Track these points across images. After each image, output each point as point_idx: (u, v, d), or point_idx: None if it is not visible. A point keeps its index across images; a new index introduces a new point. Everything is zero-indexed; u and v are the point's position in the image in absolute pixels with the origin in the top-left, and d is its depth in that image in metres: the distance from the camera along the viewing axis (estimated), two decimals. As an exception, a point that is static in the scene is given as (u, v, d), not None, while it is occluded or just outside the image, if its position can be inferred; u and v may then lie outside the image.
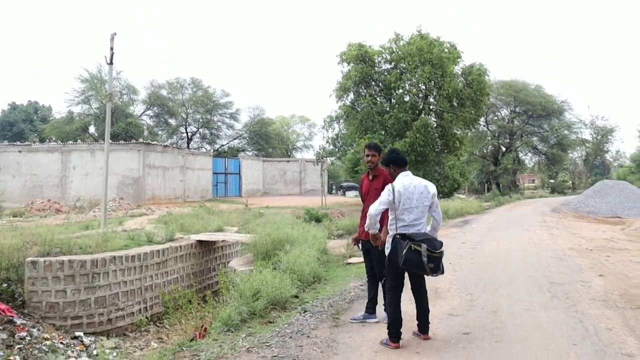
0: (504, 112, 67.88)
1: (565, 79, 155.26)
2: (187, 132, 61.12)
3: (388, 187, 6.33)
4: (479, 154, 65.26)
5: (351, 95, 34.91)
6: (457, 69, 34.20)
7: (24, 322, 10.50)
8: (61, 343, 10.39)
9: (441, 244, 6.15)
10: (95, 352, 10.32)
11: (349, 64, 33.77)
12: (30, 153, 34.71)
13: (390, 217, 6.38)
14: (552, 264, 11.99)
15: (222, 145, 63.39)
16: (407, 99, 33.94)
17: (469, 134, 42.51)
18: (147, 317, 12.91)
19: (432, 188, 6.46)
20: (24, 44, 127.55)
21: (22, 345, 9.64)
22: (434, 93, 33.74)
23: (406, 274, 6.38)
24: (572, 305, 8.01)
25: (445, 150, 35.19)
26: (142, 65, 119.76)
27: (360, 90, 34.61)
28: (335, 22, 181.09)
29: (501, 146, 66.51)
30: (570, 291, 8.98)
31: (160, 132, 60.35)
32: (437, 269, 6.02)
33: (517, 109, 66.01)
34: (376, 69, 34.55)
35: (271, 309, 7.98)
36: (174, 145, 44.86)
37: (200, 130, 61.86)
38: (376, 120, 32.19)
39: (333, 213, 26.02)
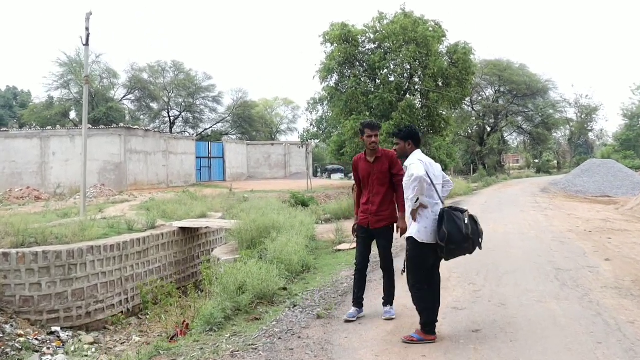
0: (489, 91, 67.84)
1: (549, 57, 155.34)
2: (169, 116, 60.35)
3: (415, 159, 5.83)
4: (464, 135, 65.04)
5: (335, 76, 34.31)
6: (442, 48, 33.67)
7: (-4, 317, 10.00)
8: (36, 339, 9.89)
9: None
10: (72, 348, 9.82)
11: (332, 44, 33.10)
12: (7, 139, 33.78)
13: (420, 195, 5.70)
14: (554, 247, 11.54)
15: (206, 129, 62.71)
16: (392, 79, 33.34)
17: (454, 114, 42.09)
18: (128, 309, 12.48)
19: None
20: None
21: (-6, 343, 9.14)
22: (419, 73, 33.19)
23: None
24: (585, 294, 7.47)
25: (432, 131, 34.73)
26: (123, 48, 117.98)
27: (344, 71, 33.99)
28: (318, 1, 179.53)
29: (486, 126, 66.40)
30: (578, 278, 8.49)
31: (142, 116, 59.56)
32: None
33: (502, 89, 65.91)
34: (360, 49, 33.91)
35: (258, 304, 7.46)
36: (156, 130, 44.08)
37: (182, 114, 61.09)
38: (361, 101, 31.62)
39: (319, 196, 25.64)
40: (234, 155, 50.39)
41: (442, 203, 5.84)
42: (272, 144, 57.15)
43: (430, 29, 32.20)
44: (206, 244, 16.78)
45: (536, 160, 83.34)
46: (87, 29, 16.98)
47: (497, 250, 11.23)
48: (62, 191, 28.93)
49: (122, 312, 12.30)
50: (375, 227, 6.61)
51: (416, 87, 34.21)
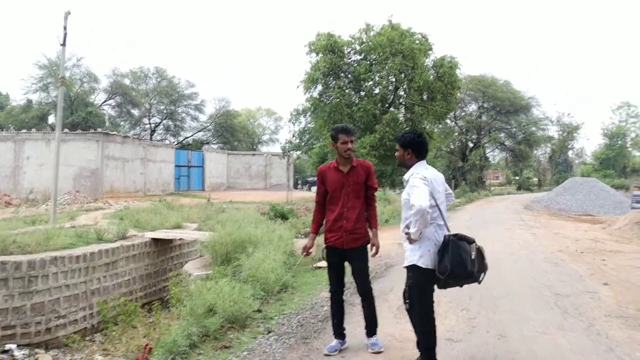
0: (472, 107, 67.70)
1: (532, 74, 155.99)
2: (150, 123, 59.59)
3: (417, 178, 4.95)
4: (447, 150, 64.78)
5: (319, 87, 33.90)
6: (428, 62, 33.39)
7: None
8: (-14, 358, 9.14)
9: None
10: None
11: (317, 54, 32.67)
12: (-20, 142, 32.89)
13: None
14: (548, 270, 10.94)
15: (187, 138, 61.97)
16: (376, 91, 32.93)
17: (437, 129, 41.72)
18: (93, 325, 11.66)
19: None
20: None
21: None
22: (405, 85, 32.86)
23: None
24: (590, 324, 6.86)
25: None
26: (105, 53, 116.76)
27: (329, 82, 33.54)
28: (304, 11, 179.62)
29: (469, 142, 66.24)
30: (580, 305, 7.87)
31: (122, 122, 58.77)
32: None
33: (485, 105, 65.78)
34: (345, 59, 33.48)
35: (228, 328, 6.69)
36: (135, 136, 43.24)
37: (164, 121, 60.35)
38: (345, 112, 31.11)
39: (299, 209, 25.04)
40: (214, 165, 49.73)
41: (446, 225, 5.14)
42: (253, 154, 56.52)
43: (417, 41, 31.91)
44: (180, 256, 16.03)
45: (516, 177, 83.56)
46: (64, 28, 16.39)
47: (489, 272, 10.49)
48: (34, 197, 28.06)
49: (86, 328, 11.54)
50: (350, 246, 5.81)
51: (401, 100, 33.87)
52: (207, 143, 61.03)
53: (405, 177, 5.26)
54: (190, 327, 6.22)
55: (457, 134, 65.20)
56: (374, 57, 32.25)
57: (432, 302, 5.11)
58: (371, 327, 5.96)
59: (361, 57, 33.51)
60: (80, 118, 45.34)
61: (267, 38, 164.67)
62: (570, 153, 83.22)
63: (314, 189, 52.29)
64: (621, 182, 59.19)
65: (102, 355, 10.04)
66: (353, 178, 5.84)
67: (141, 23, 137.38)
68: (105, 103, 55.46)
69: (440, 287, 5.09)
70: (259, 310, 7.50)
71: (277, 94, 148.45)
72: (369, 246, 5.94)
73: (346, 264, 6.06)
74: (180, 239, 15.52)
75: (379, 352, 5.80)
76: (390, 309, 7.57)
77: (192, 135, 62.47)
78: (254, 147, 71.01)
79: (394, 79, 32.29)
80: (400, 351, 5.69)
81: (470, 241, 4.99)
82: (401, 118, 33.00)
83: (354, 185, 5.83)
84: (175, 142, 55.89)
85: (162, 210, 20.34)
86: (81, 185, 30.87)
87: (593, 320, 7.03)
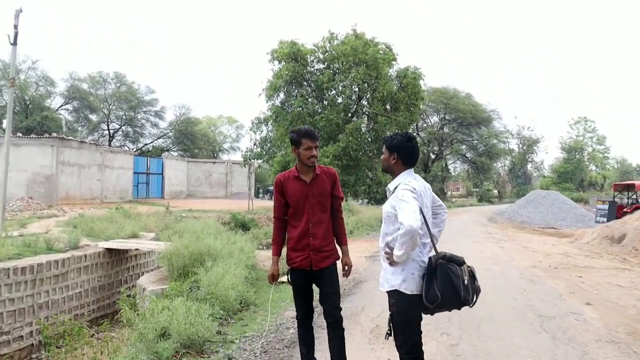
0: (434, 119, 68.16)
1: (494, 88, 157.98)
2: (109, 129, 58.27)
3: (407, 187, 4.14)
4: (409, 160, 64.89)
5: (281, 95, 33.64)
6: (392, 72, 33.39)
7: None
8: None
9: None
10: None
11: (280, 62, 32.44)
12: None
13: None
14: (526, 288, 10.46)
15: (146, 144, 60.84)
16: (339, 100, 32.81)
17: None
18: (40, 341, 10.99)
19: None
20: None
21: None
22: (368, 95, 32.78)
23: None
24: (584, 352, 6.29)
25: (379, 155, 34.19)
26: (63, 57, 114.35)
27: (291, 90, 33.30)
28: (267, 19, 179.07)
29: (430, 153, 66.54)
30: (567, 328, 7.34)
31: (80, 128, 57.37)
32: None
33: (447, 117, 66.22)
34: (308, 68, 33.31)
35: (183, 354, 5.95)
36: (93, 142, 42.18)
37: (123, 127, 59.12)
38: (307, 121, 30.84)
39: (260, 218, 24.51)
40: (174, 172, 48.80)
41: (434, 244, 4.32)
42: (214, 162, 55.63)
43: (381, 51, 31.92)
44: (136, 267, 15.39)
45: (476, 189, 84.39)
46: (15, 26, 15.78)
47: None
48: (-17, 203, 26.99)
49: (32, 344, 10.86)
50: (319, 267, 4.95)
51: (364, 109, 33.75)
52: (167, 150, 60.01)
53: (390, 186, 4.43)
54: (140, 354, 5.57)
55: (419, 145, 65.40)
56: (338, 66, 32.11)
57: (420, 331, 4.33)
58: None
59: (324, 65, 33.35)
60: (36, 122, 44.08)
61: (229, 44, 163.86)
62: (529, 166, 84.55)
63: (275, 198, 51.87)
64: (579, 195, 60.26)
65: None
66: (317, 188, 5.02)
67: (102, 28, 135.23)
68: (62, 107, 54.07)
69: (426, 313, 4.34)
70: (218, 332, 6.84)
71: (239, 102, 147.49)
72: (339, 264, 5.10)
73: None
74: (136, 249, 14.89)
75: None
76: (363, 333, 6.92)
77: (151, 142, 61.38)
78: (215, 155, 70.09)
79: (357, 89, 32.18)
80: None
81: (460, 262, 4.25)
82: (364, 128, 32.86)
83: (319, 196, 5.01)
84: (135, 149, 54.74)
85: (119, 218, 19.69)
86: (35, 192, 29.80)
87: (585, 347, 6.57)
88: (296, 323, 5.30)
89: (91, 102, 54.66)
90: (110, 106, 57.16)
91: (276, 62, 32.79)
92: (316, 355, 5.29)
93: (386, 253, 4.21)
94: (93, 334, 9.05)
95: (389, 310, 4.29)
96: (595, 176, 79.46)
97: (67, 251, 12.85)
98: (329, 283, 4.99)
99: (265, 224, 22.98)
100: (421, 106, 40.77)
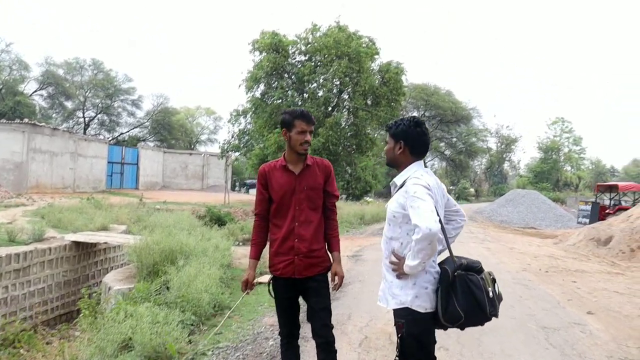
0: (414, 115, 67.83)
1: (474, 86, 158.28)
2: (84, 117, 57.26)
3: (420, 182, 3.42)
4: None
5: (262, 87, 32.97)
6: (374, 66, 32.87)
7: None
8: None
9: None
10: None
11: (261, 52, 31.80)
12: None
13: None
14: (522, 294, 9.74)
15: (122, 134, 59.97)
16: (320, 93, 32.21)
17: (378, 136, 41.17)
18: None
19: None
20: None
21: None
22: (349, 89, 32.21)
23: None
24: None
25: (358, 151, 33.72)
26: (39, 41, 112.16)
27: (272, 82, 32.66)
28: (250, 8, 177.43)
29: (409, 150, 66.37)
30: (574, 342, 6.60)
31: (54, 114, 56.22)
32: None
33: (427, 113, 66.01)
34: (290, 60, 32.67)
35: None
36: (67, 130, 41.20)
37: (99, 115, 58.19)
38: (287, 114, 30.27)
39: (237, 212, 23.88)
40: (149, 163, 47.93)
41: (450, 250, 3.58)
42: (191, 154, 54.78)
43: (364, 44, 31.35)
44: (104, 262, 14.68)
45: (452, 187, 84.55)
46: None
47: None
48: (-51, 190, 26.06)
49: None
50: (305, 275, 4.14)
51: (344, 103, 33.21)
52: (143, 140, 58.97)
53: (397, 181, 3.70)
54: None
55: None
56: (319, 58, 31.55)
57: (434, 357, 3.56)
58: None
59: (306, 58, 32.78)
60: (8, 107, 43.00)
61: (209, 35, 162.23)
62: (506, 165, 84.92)
63: (252, 191, 51.08)
64: (556, 195, 60.40)
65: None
66: (307, 181, 4.20)
67: (80, 13, 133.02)
68: (36, 93, 52.91)
69: (438, 328, 3.60)
70: (189, 341, 6.10)
71: (218, 93, 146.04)
72: (329, 275, 4.28)
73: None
74: (105, 243, 14.16)
75: None
76: (351, 346, 6.12)
77: (128, 132, 60.48)
78: (192, 146, 69.14)
79: (338, 82, 31.58)
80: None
81: (479, 269, 3.50)
82: (344, 122, 32.34)
83: (309, 191, 4.19)
84: (110, 138, 53.80)
85: (89, 209, 19.03)
86: (3, 179, 28.89)
87: (599, 366, 5.80)
88: (279, 339, 4.47)
89: (67, 88, 53.61)
90: (87, 93, 56.14)
91: (257, 53, 32.16)
92: None
93: (392, 263, 3.54)
94: (48, 342, 8.35)
95: (397, 332, 3.52)
96: (571, 176, 79.98)
97: (31, 243, 12.18)
98: (317, 296, 4.17)
99: (241, 218, 22.36)
100: (403, 101, 40.30)
